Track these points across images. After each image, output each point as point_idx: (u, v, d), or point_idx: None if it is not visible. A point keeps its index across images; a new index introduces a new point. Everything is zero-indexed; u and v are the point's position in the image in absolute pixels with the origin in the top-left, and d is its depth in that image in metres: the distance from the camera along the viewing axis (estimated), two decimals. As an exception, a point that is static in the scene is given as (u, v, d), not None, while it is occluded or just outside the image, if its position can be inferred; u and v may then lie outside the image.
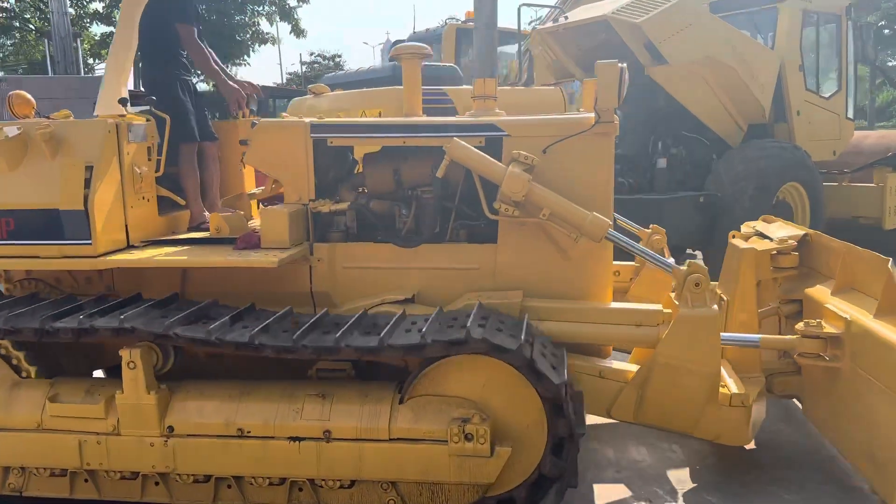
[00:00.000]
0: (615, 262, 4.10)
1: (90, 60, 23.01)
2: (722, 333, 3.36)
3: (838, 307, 3.32)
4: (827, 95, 8.27)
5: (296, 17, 23.42)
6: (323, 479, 3.21)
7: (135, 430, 3.27)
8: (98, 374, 4.07)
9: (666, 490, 3.58)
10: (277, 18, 23.58)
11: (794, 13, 7.81)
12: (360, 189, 3.94)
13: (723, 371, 3.63)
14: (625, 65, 3.38)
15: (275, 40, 25.08)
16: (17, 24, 23.34)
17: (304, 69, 38.98)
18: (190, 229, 4.21)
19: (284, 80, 38.59)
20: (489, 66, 8.55)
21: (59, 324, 3.23)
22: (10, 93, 4.39)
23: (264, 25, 23.63)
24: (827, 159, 8.23)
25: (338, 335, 3.01)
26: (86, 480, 3.43)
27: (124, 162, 3.64)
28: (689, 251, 8.07)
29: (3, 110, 4.16)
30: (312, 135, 3.73)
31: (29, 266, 3.63)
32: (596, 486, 3.64)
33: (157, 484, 3.38)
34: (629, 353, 3.91)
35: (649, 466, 3.83)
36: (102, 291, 3.83)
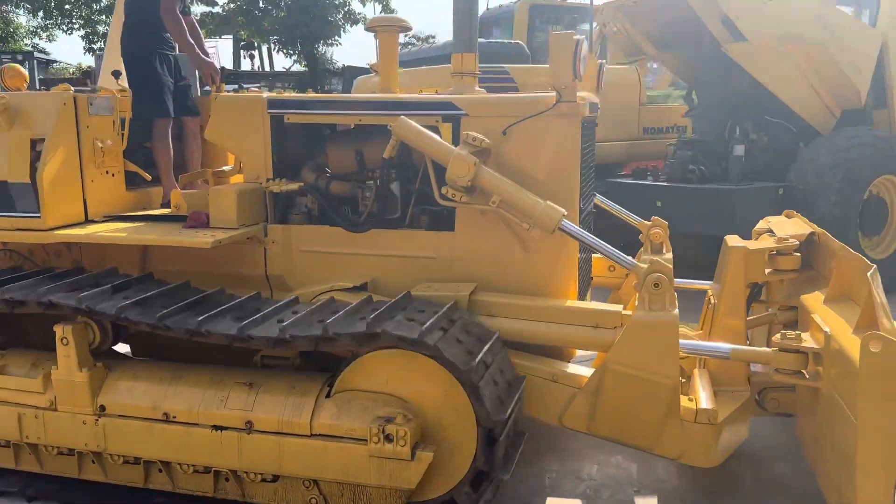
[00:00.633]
0: None
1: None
2: (683, 341, 2.99)
3: (822, 318, 2.89)
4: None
5: (386, -4, 23.46)
6: (245, 472, 3.08)
7: (69, 406, 3.22)
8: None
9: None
10: (370, -3, 23.66)
11: None
12: (325, 170, 3.77)
13: (697, 383, 3.27)
14: (582, 37, 3.04)
15: (366, 20, 25.26)
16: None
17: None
18: (163, 205, 4.15)
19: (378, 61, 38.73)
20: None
21: None
22: (4, 65, 4.45)
23: (356, 6, 23.65)
24: None
25: (243, 324, 2.86)
26: (30, 454, 3.42)
27: (83, 135, 3.60)
28: None
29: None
30: (269, 110, 3.58)
31: None
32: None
33: (93, 462, 3.34)
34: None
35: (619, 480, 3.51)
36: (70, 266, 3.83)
